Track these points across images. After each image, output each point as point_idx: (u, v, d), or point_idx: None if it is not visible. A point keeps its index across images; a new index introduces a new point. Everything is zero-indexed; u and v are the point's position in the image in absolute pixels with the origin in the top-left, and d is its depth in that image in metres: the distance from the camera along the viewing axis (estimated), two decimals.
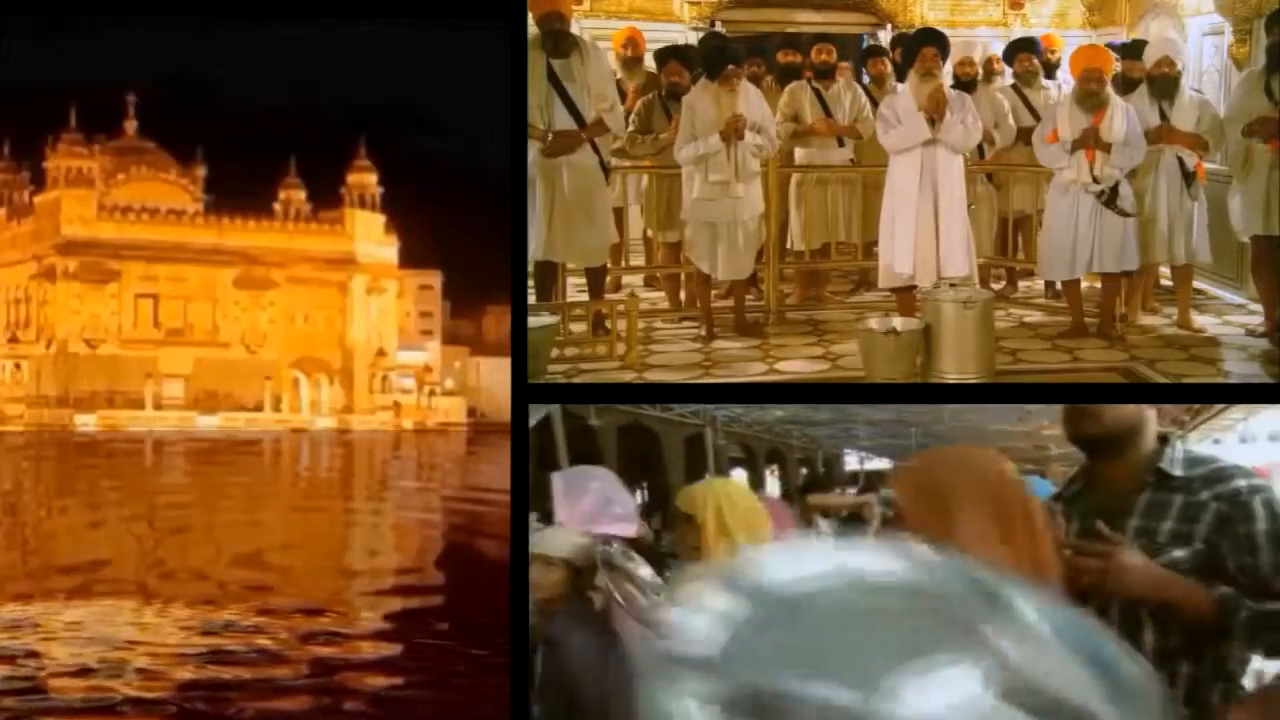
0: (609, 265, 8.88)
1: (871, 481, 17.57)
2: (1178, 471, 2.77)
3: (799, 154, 9.84)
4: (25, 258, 61.82)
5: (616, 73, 9.63)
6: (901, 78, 8.50)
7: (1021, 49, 9.94)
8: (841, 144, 9.79)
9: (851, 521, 7.90)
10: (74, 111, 60.58)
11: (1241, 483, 2.74)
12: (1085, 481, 2.91)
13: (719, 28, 11.80)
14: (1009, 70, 9.95)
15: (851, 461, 18.37)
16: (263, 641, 9.46)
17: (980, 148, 8.92)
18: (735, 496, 3.87)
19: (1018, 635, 1.04)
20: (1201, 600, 2.64)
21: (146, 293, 62.64)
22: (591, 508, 3.70)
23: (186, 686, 8.03)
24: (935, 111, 7.93)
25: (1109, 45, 9.28)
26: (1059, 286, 8.95)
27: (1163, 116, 8.22)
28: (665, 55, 9.33)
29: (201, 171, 66.94)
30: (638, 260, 10.10)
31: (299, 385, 63.70)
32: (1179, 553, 2.71)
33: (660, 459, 11.60)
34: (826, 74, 9.79)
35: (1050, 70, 10.11)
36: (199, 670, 8.47)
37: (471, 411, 63.96)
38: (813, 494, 8.18)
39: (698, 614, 1.15)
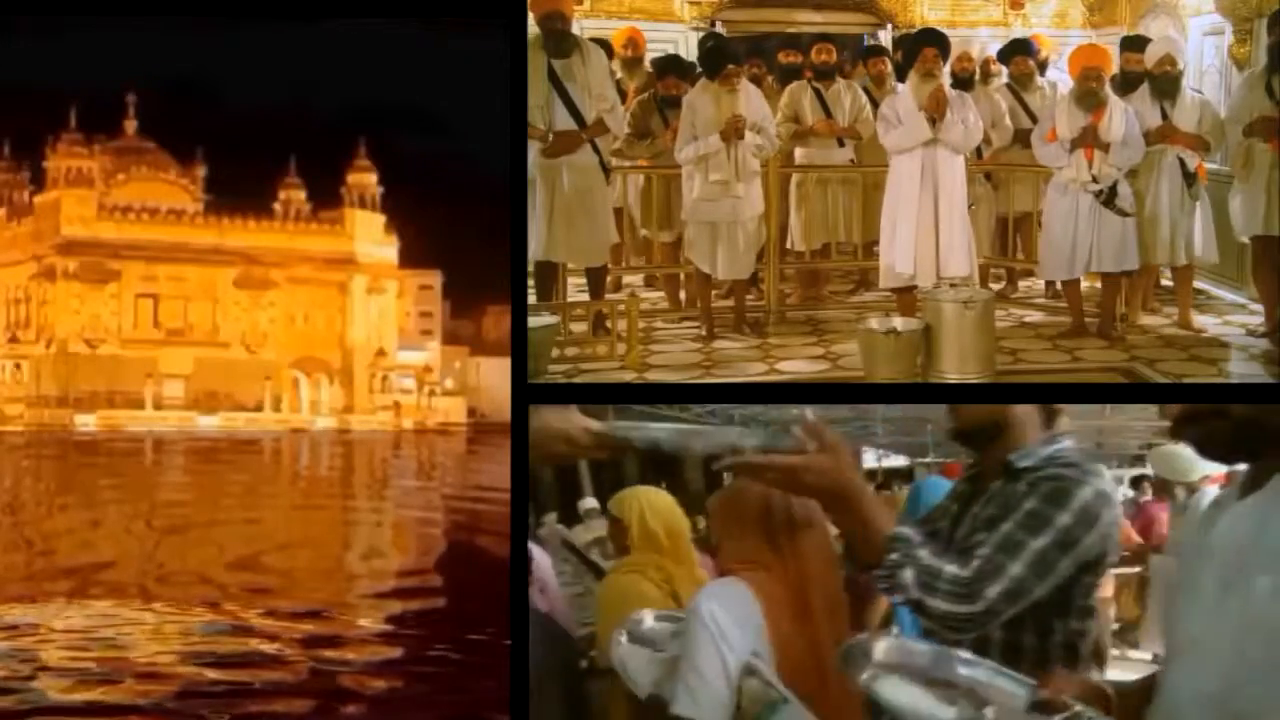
0: (609, 265, 8.88)
1: (888, 479, 17.59)
2: (1025, 464, 2.73)
3: (799, 154, 9.83)
4: (25, 258, 61.78)
5: (616, 73, 9.63)
6: (902, 78, 8.50)
7: (1017, 51, 9.93)
8: (842, 144, 9.79)
9: None
10: (74, 111, 60.59)
11: (1070, 472, 2.65)
12: (975, 474, 2.92)
13: (719, 28, 11.80)
14: (1005, 71, 9.95)
15: (869, 459, 18.38)
16: (264, 643, 9.46)
17: (978, 147, 8.92)
18: (656, 502, 4.39)
19: None
20: (879, 531, 2.37)
21: (146, 293, 62.60)
22: None
23: (187, 688, 8.02)
24: (936, 112, 7.94)
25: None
26: (1059, 286, 8.96)
27: (1164, 116, 8.21)
28: (664, 68, 9.32)
29: (201, 171, 66.87)
30: (638, 260, 10.10)
31: (299, 385, 63.68)
32: (979, 535, 2.57)
33: (679, 460, 11.57)
34: (827, 74, 9.79)
35: (1040, 69, 10.11)
36: (199, 673, 8.46)
37: (471, 411, 63.91)
38: None
39: None
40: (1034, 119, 9.22)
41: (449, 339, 69.65)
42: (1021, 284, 9.83)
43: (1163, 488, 9.40)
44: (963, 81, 9.12)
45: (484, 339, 68.73)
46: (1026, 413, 2.85)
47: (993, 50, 10.26)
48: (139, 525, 18.81)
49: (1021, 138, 9.22)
